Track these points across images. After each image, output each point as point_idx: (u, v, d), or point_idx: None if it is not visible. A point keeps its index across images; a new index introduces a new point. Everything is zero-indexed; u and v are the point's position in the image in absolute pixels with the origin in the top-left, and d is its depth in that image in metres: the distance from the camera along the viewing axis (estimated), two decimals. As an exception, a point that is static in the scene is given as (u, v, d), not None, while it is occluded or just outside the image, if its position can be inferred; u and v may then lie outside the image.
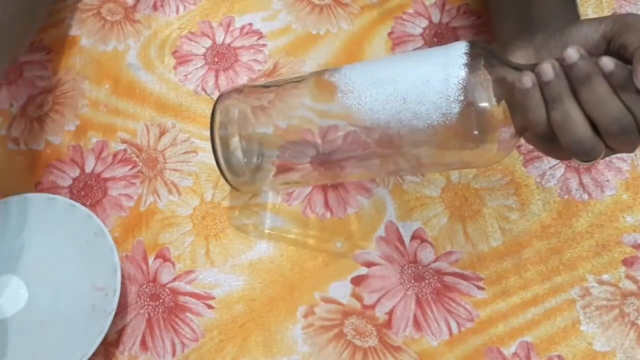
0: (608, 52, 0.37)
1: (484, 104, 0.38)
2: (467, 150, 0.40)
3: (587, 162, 0.37)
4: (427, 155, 0.42)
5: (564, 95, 0.35)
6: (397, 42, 0.60)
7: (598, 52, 0.37)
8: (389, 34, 0.60)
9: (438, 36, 0.60)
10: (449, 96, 0.38)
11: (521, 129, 0.39)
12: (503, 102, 0.38)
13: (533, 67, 0.37)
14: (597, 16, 0.59)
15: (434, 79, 0.39)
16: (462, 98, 0.38)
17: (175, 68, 0.59)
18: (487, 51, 0.40)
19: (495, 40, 0.54)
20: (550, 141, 0.37)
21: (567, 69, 0.35)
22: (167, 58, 0.60)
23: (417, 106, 0.39)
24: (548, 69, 0.35)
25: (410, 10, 0.61)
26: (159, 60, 0.60)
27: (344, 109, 0.42)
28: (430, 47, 0.59)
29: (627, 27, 0.36)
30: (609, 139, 0.36)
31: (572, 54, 0.35)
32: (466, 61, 0.38)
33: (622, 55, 0.36)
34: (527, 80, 0.36)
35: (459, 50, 0.39)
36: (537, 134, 0.37)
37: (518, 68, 0.39)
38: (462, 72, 0.38)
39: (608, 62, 0.34)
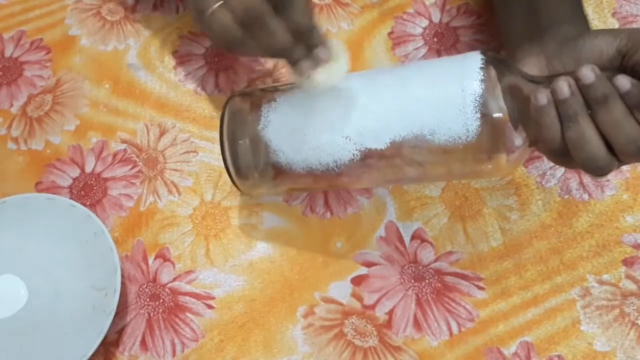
0: (622, 67, 0.37)
1: (497, 115, 0.38)
2: (479, 162, 0.40)
3: (599, 176, 0.37)
4: (437, 166, 0.42)
5: (579, 115, 0.35)
6: (397, 42, 0.60)
7: (612, 66, 0.37)
8: (389, 33, 0.60)
9: (438, 36, 0.60)
10: (466, 112, 0.38)
11: (534, 141, 0.39)
12: (515, 113, 0.38)
13: (546, 80, 0.37)
14: (597, 15, 0.59)
15: (450, 94, 0.39)
16: (478, 114, 0.38)
17: (175, 68, 0.59)
18: (500, 61, 0.39)
19: (502, 44, 0.53)
20: (562, 155, 0.37)
21: (583, 89, 0.35)
22: (167, 58, 0.60)
23: (433, 121, 0.39)
24: (564, 87, 0.35)
25: (411, 10, 0.61)
26: (159, 60, 0.60)
27: None
28: (430, 46, 0.59)
29: None
30: (623, 157, 0.35)
31: (588, 74, 0.34)
32: (482, 77, 0.38)
33: (637, 72, 0.35)
34: (543, 97, 0.36)
35: (473, 64, 0.39)
36: (550, 148, 0.37)
37: (531, 80, 0.38)
38: (479, 88, 0.38)
39: (624, 82, 0.34)
